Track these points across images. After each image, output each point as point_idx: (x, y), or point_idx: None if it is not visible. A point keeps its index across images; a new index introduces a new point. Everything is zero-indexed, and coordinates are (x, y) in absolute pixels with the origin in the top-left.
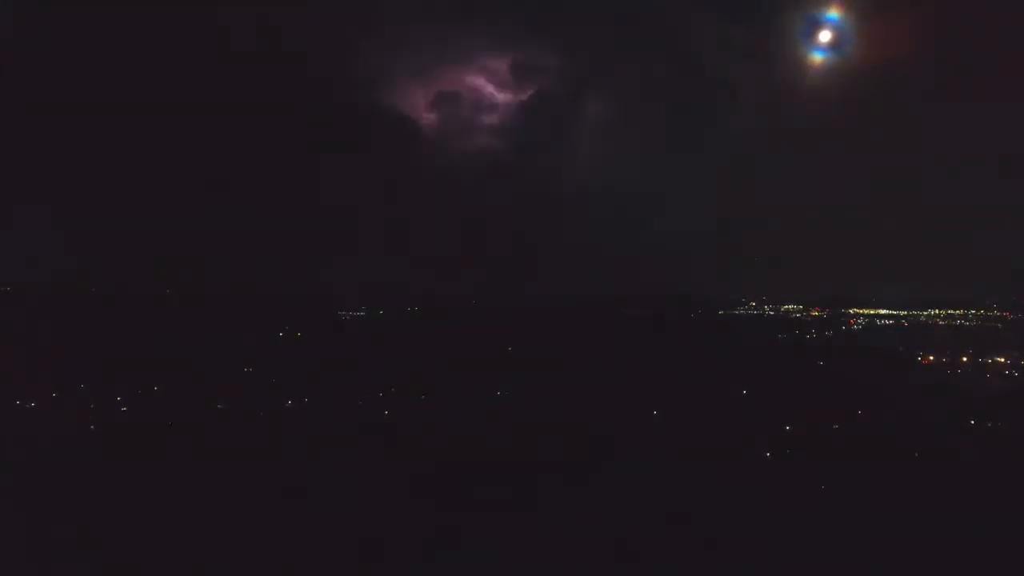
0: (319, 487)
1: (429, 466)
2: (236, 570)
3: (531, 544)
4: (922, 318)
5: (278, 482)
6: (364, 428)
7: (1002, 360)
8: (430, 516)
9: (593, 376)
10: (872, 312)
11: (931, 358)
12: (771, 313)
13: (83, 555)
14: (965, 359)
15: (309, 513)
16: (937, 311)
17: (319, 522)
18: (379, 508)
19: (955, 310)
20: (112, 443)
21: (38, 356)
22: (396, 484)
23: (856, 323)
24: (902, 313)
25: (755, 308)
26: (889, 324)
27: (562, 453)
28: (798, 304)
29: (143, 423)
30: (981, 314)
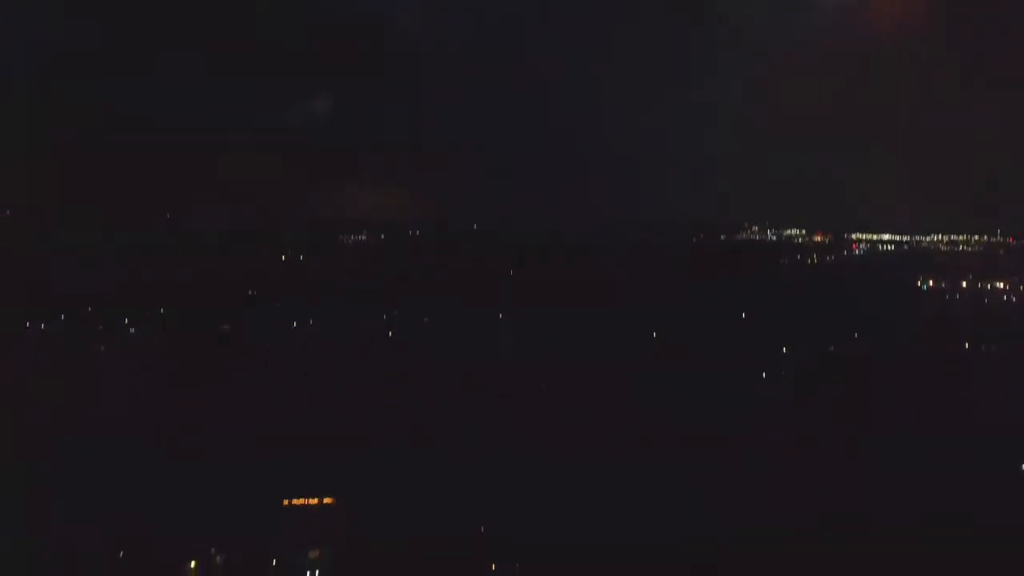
0: None
1: None
2: None
3: None
4: (924, 243)
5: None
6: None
7: (1001, 285)
8: None
9: (589, 301)
10: (875, 237)
11: (931, 283)
12: (773, 238)
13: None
14: (965, 284)
15: None
16: (940, 236)
17: None
18: None
19: (958, 235)
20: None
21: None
22: None
23: (858, 248)
24: (904, 238)
25: (757, 233)
26: (891, 249)
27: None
28: (800, 229)
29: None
30: (984, 240)
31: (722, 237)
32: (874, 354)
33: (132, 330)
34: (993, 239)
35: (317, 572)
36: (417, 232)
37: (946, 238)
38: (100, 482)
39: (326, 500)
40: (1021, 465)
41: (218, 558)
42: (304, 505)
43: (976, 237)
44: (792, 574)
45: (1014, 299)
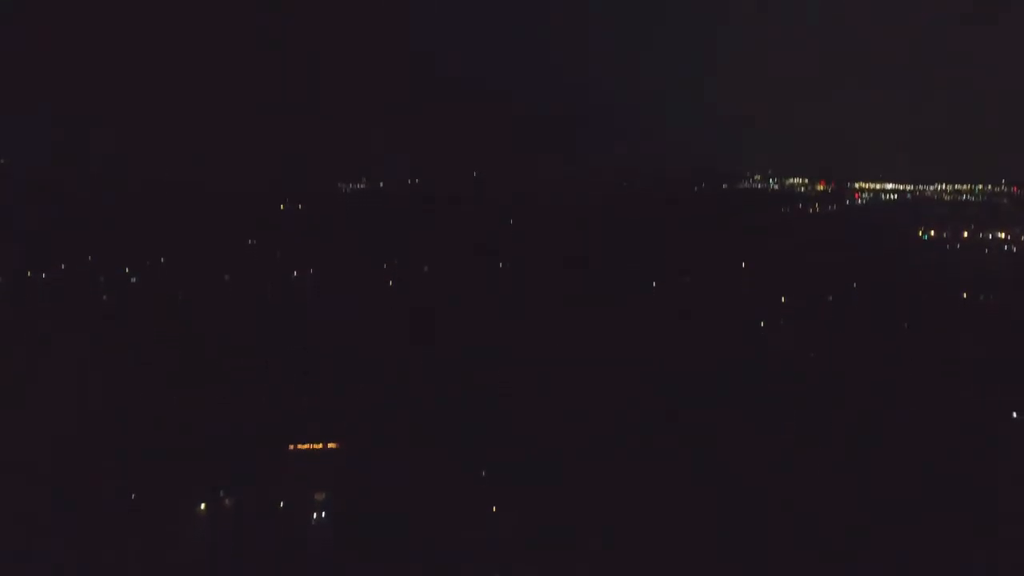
0: None
1: None
2: None
3: None
4: (928, 192)
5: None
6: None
7: (1002, 235)
8: None
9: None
10: (878, 186)
11: (932, 232)
12: (776, 187)
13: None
14: (966, 234)
15: None
16: (944, 185)
17: None
18: None
19: (962, 184)
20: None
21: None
22: None
23: (861, 197)
24: (908, 187)
25: (759, 182)
26: (894, 199)
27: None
28: (803, 178)
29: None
30: (988, 189)
31: (724, 186)
32: (869, 304)
33: (133, 280)
34: (996, 188)
35: (322, 513)
36: (417, 180)
37: (949, 187)
38: (110, 423)
39: (330, 444)
40: (1012, 413)
41: (227, 500)
42: (309, 449)
43: (980, 186)
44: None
45: (1015, 249)
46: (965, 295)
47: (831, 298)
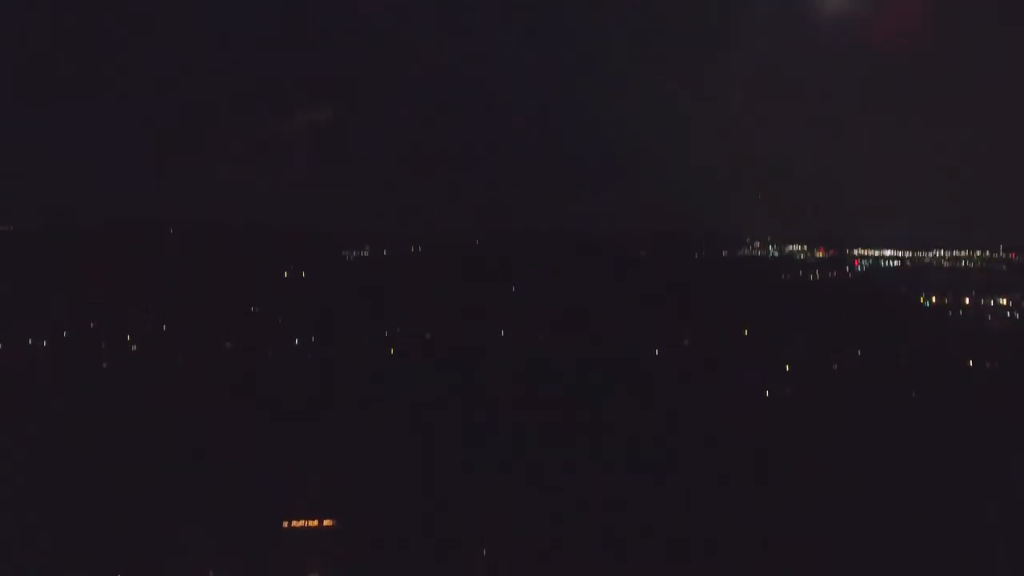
0: None
1: None
2: None
3: None
4: (927, 259)
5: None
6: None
7: (1004, 302)
8: None
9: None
10: (877, 253)
11: (933, 299)
12: (775, 254)
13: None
14: (967, 300)
15: None
16: (941, 252)
17: None
18: None
19: (959, 251)
20: (129, 381)
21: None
22: None
23: (860, 264)
24: (907, 254)
25: (759, 249)
26: (894, 265)
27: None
28: (802, 245)
29: (156, 360)
30: (985, 255)
31: (724, 253)
32: (876, 369)
33: (133, 347)
34: (995, 254)
35: None
36: (419, 248)
37: (948, 253)
38: (91, 500)
39: (326, 522)
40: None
41: None
42: (304, 527)
43: (978, 253)
44: None
45: (1017, 315)
46: (971, 362)
47: (835, 366)
